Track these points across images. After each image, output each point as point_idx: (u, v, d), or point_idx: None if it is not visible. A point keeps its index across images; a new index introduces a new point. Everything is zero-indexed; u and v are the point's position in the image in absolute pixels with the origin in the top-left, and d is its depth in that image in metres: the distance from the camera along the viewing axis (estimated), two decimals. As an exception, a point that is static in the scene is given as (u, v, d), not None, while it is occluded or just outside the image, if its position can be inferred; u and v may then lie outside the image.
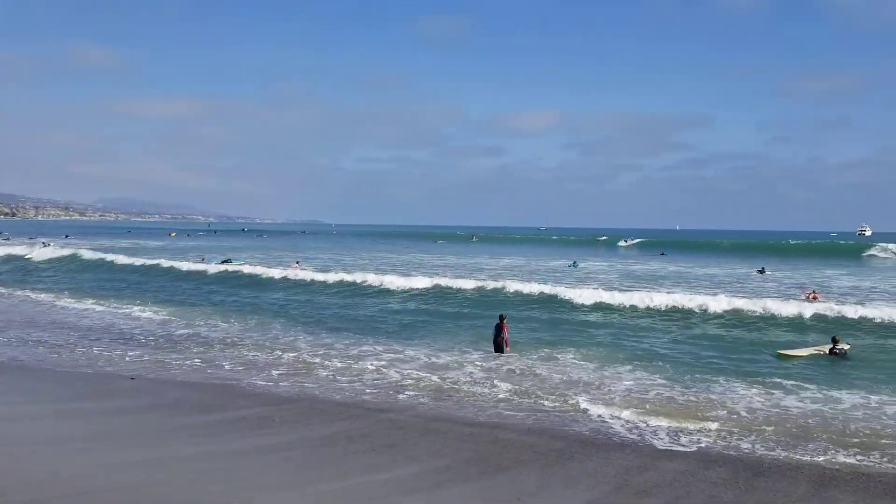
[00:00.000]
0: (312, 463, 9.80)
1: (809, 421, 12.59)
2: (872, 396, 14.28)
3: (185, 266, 44.59)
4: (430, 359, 18.10)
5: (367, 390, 14.63)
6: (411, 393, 14.42)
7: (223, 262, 51.83)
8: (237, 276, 40.25)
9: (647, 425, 12.13)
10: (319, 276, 37.49)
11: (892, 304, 29.67)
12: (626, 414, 12.79)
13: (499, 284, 32.08)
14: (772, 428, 12.05)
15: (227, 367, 16.98)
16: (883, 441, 11.36)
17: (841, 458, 10.46)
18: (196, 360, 17.64)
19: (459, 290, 31.60)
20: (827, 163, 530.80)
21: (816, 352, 18.08)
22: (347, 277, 36.04)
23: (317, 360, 17.82)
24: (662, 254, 77.05)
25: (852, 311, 23.58)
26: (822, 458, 10.45)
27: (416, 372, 16.38)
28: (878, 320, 22.55)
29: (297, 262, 51.28)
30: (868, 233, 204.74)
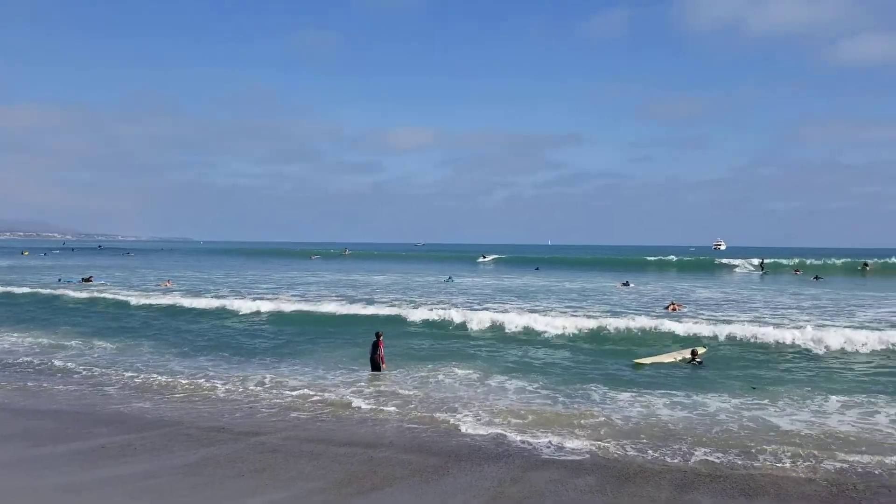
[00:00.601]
0: (175, 491, 9.30)
1: (679, 425, 13.22)
2: (734, 400, 15.18)
3: (43, 289, 41.61)
4: (303, 379, 17.70)
5: (237, 413, 14.09)
6: (283, 414, 14.01)
7: (82, 280, 49.12)
8: (100, 297, 37.96)
9: (523, 437, 12.31)
10: (188, 299, 35.97)
11: (744, 313, 31.78)
12: (501, 427, 12.95)
13: (374, 310, 31.75)
14: (642, 434, 12.54)
15: (88, 392, 15.92)
16: (741, 442, 12.05)
17: (702, 460, 11.00)
18: (58, 386, 16.47)
19: (333, 314, 31.07)
20: (684, 181, 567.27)
21: (671, 359, 19.02)
22: (215, 302, 34.69)
23: (184, 382, 17.04)
24: (537, 268, 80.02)
25: (707, 329, 24.77)
26: (685, 462, 10.94)
27: (288, 393, 15.96)
28: (735, 335, 23.85)
29: (168, 281, 49.09)
30: (723, 247, 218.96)
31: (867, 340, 21.16)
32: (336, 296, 39.73)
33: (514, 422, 13.32)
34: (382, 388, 16.52)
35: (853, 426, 13.21)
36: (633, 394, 15.84)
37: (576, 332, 24.76)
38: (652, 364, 18.63)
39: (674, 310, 33.87)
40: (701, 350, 19.48)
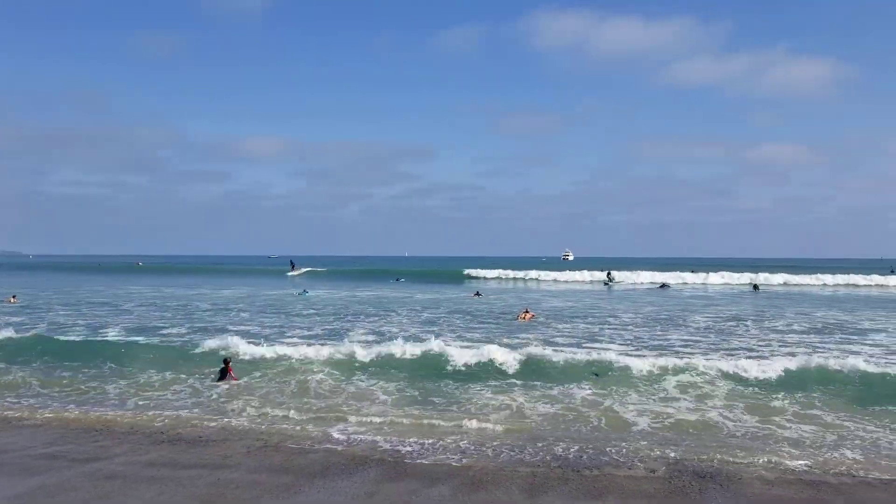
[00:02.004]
0: (-4, 530, 8.47)
1: (546, 426, 13.71)
2: (582, 392, 16.13)
3: None
4: (144, 398, 16.71)
5: (76, 438, 13.06)
6: (122, 437, 13.14)
7: None
8: None
9: (384, 447, 12.17)
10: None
11: (584, 319, 33.28)
12: (361, 437, 12.78)
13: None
14: (502, 436, 12.82)
15: None
16: (594, 439, 12.55)
17: (554, 461, 11.33)
18: None
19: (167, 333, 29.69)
20: (535, 194, 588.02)
21: None
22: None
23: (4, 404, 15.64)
24: (399, 280, 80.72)
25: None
26: (536, 464, 11.22)
27: (129, 414, 15.01)
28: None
29: (14, 298, 44.74)
30: (571, 257, 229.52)
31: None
32: (167, 319, 37.98)
33: (376, 431, 13.17)
34: (232, 405, 15.88)
35: (691, 418, 14.12)
36: (498, 394, 16.34)
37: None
38: None
39: (525, 318, 34.98)
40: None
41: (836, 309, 42.60)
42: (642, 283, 77.07)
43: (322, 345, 21.86)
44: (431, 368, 19.22)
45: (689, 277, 79.34)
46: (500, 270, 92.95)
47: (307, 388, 17.62)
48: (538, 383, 17.55)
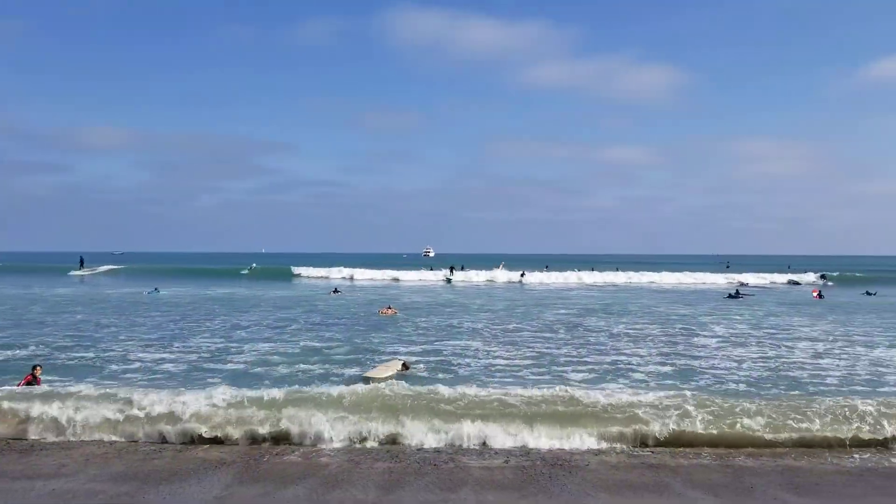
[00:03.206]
0: None
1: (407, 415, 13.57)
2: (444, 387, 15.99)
3: None
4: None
5: None
6: (-59, 451, 11.93)
7: None
8: None
9: (241, 448, 11.78)
10: None
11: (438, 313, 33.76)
12: (215, 437, 12.29)
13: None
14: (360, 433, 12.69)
15: None
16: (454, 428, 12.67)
17: (412, 454, 11.36)
18: None
19: None
20: (397, 191, 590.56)
21: (393, 370, 19.21)
22: None
23: None
24: (250, 268, 79.11)
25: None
26: (395, 459, 11.22)
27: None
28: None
29: None
30: (432, 254, 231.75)
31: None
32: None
33: (231, 432, 12.64)
34: (67, 409, 14.77)
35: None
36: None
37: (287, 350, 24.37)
38: (381, 378, 18.61)
39: (387, 313, 35.06)
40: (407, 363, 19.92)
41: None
42: (510, 280, 76.37)
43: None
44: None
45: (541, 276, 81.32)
46: (345, 269, 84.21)
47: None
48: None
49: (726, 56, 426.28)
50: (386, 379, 17.56)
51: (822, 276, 77.15)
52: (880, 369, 19.95)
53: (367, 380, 17.81)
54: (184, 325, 30.25)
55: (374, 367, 19.58)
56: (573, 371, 19.40)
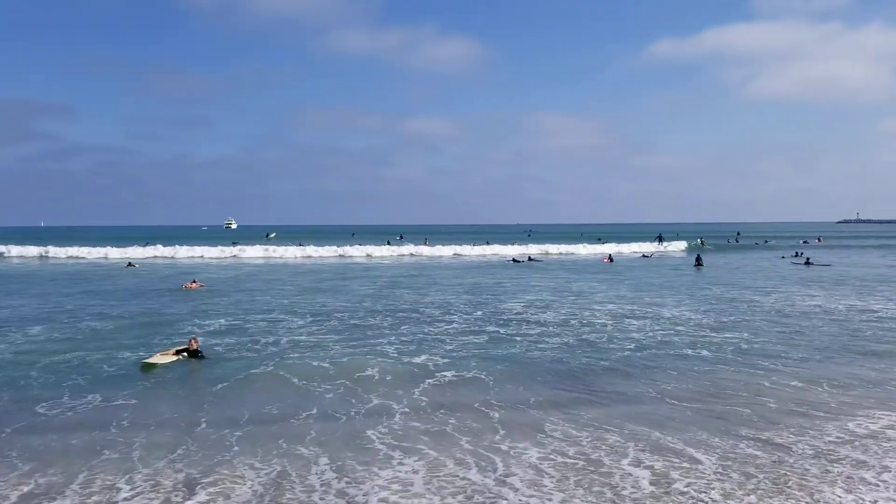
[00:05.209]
0: None
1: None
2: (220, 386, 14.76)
3: None
4: None
5: None
6: None
7: None
8: None
9: None
10: None
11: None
12: None
13: None
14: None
15: None
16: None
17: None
18: None
19: None
20: (193, 159, 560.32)
21: (175, 356, 17.20)
22: None
23: None
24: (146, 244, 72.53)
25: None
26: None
27: None
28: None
29: None
30: (234, 226, 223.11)
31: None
32: None
33: None
34: None
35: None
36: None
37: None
38: (160, 364, 16.58)
39: (192, 287, 32.86)
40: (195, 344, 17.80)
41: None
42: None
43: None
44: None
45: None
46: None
47: None
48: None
49: (525, 32, 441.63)
50: (167, 364, 15.92)
51: (660, 239, 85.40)
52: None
53: (147, 366, 15.98)
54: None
55: (152, 354, 17.37)
56: (387, 343, 18.85)
